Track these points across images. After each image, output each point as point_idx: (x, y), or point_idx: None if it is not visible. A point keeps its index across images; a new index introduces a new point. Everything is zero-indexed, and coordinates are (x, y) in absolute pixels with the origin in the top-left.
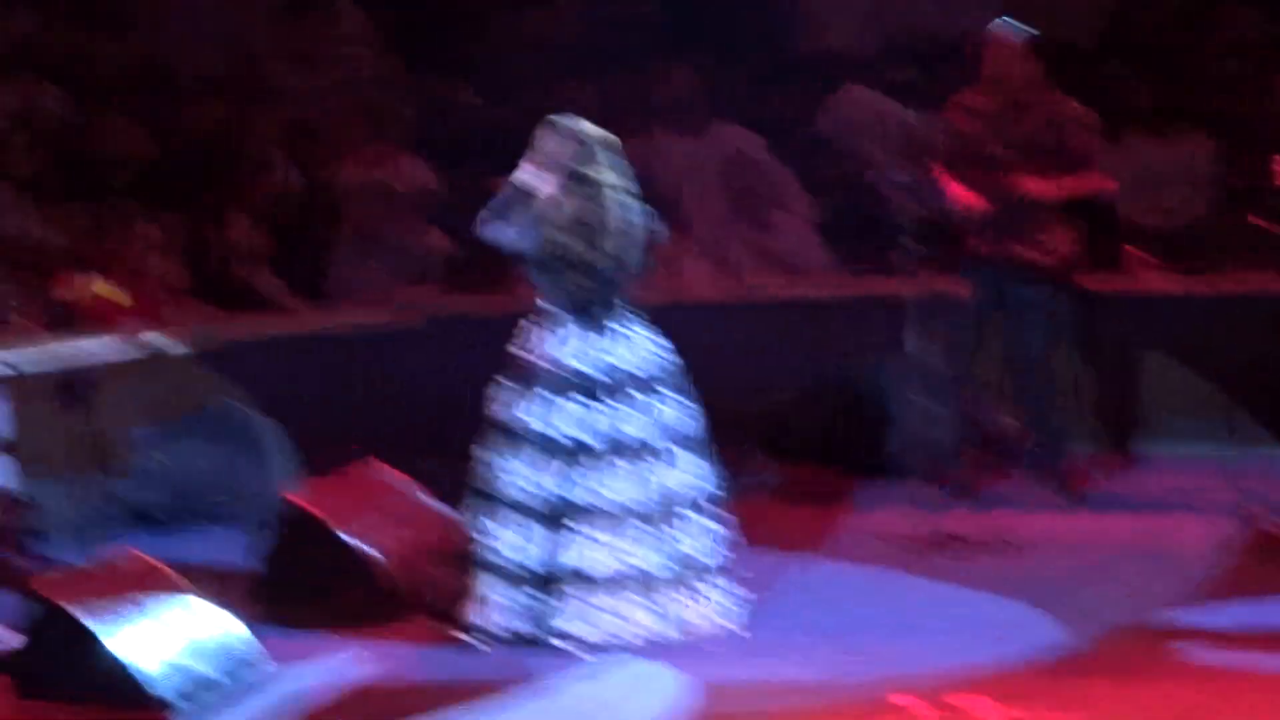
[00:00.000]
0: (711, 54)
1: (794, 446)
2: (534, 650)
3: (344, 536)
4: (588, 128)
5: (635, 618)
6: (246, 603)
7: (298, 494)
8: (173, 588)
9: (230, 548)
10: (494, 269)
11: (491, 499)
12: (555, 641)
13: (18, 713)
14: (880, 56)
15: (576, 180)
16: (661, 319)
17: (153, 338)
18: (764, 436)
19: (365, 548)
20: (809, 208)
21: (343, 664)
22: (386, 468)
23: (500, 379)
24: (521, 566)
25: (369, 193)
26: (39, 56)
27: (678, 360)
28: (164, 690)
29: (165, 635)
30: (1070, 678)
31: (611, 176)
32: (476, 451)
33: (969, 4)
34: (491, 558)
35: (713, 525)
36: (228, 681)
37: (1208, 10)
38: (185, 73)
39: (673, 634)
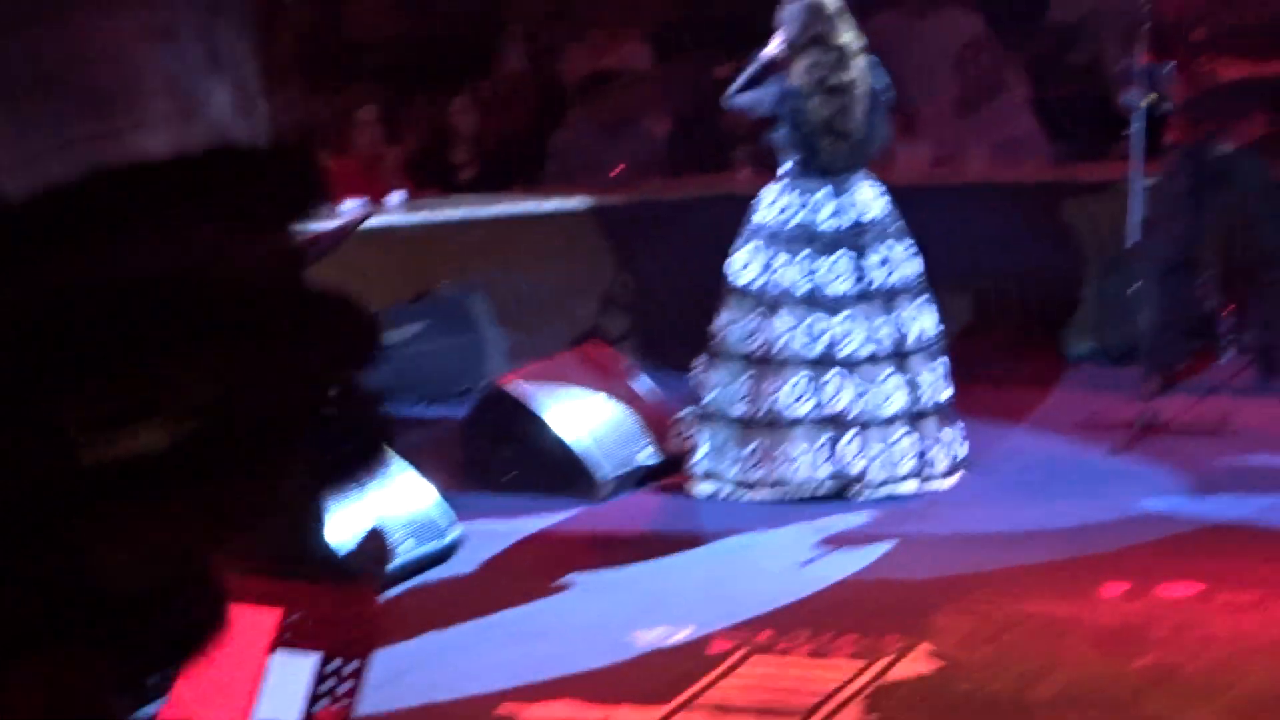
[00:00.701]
0: None
1: (1011, 330)
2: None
3: (546, 419)
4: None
5: (883, 457)
6: (452, 477)
7: (508, 376)
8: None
9: (443, 428)
10: (714, 153)
11: (737, 355)
12: (781, 488)
13: None
14: None
15: (823, 48)
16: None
17: (366, 216)
18: (980, 320)
19: (565, 429)
20: (1032, 93)
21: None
22: (605, 348)
23: (745, 242)
24: (769, 412)
25: (594, 79)
26: None
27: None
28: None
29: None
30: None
31: (856, 42)
32: (721, 314)
33: None
34: (732, 409)
35: (945, 370)
36: (416, 545)
37: None
38: None
39: (914, 475)
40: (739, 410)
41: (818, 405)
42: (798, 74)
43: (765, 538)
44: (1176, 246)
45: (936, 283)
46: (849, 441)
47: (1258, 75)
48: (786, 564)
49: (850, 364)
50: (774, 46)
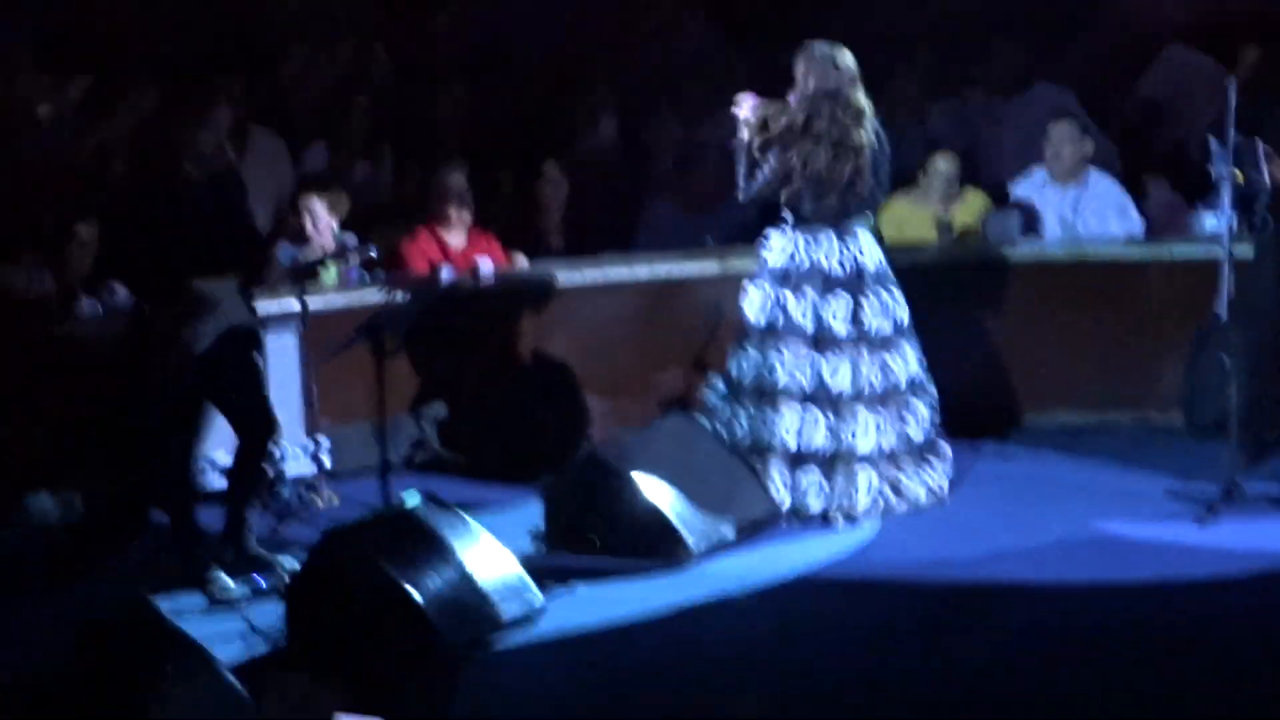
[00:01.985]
0: None
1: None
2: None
3: (637, 484)
4: (844, 55)
5: (880, 489)
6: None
7: (599, 446)
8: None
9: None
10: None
11: (753, 390)
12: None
13: None
14: None
15: (839, 103)
16: None
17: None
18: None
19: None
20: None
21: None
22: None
23: (754, 284)
24: (783, 446)
25: (687, 147)
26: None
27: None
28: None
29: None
30: None
31: (865, 100)
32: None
33: None
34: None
35: (931, 407)
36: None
37: None
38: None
39: (904, 505)
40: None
41: (808, 438)
42: (808, 134)
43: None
44: (1266, 325)
45: None
46: (810, 472)
47: None
48: None
49: (837, 400)
50: (745, 126)
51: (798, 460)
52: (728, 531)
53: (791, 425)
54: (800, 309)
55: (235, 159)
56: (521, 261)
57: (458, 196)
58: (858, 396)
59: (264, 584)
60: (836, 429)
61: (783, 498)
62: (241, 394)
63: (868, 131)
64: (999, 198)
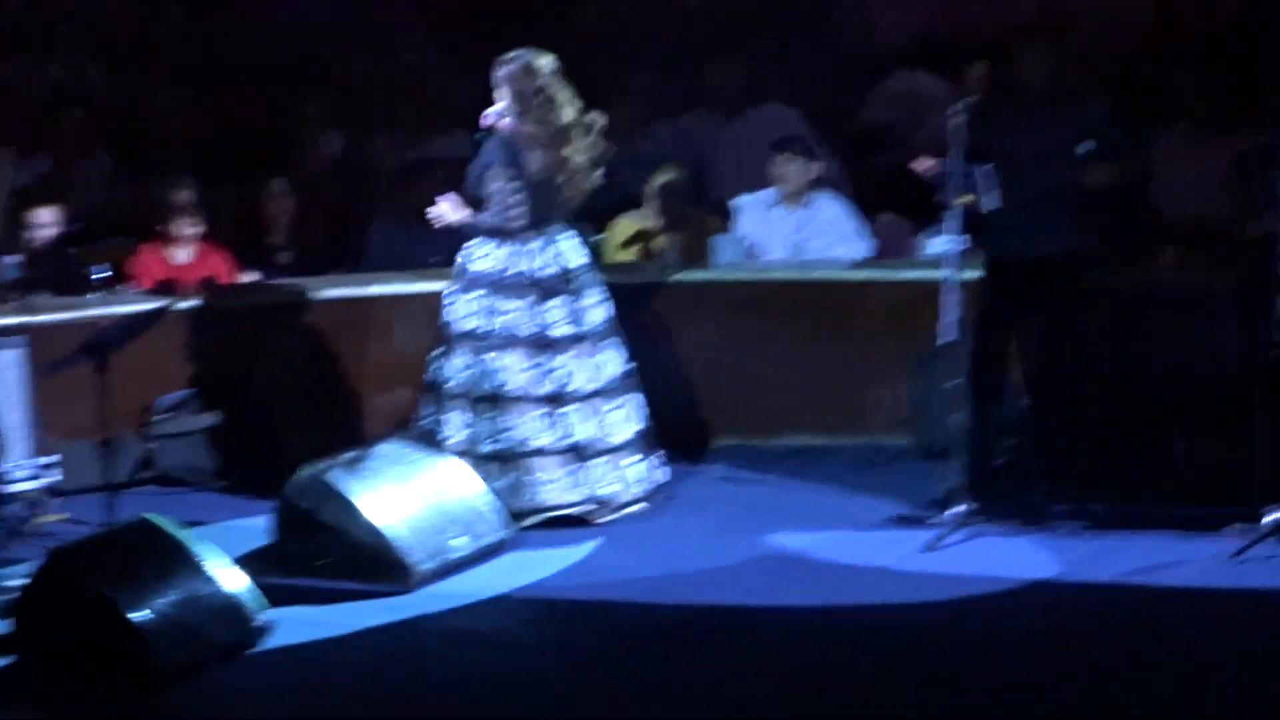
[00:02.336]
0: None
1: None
2: None
3: (359, 506)
4: (540, 57)
5: (625, 480)
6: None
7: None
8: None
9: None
10: None
11: (475, 397)
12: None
13: None
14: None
15: (542, 106)
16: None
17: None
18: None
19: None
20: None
21: None
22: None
23: (452, 291)
24: (525, 447)
25: (405, 168)
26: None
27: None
28: None
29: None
30: None
31: (570, 98)
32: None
33: None
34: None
35: (642, 405)
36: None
37: None
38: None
39: (643, 495)
40: (485, 448)
41: (560, 437)
42: (521, 141)
43: None
44: (989, 347)
45: None
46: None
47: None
48: None
49: (567, 398)
50: (497, 113)
51: (545, 457)
52: (459, 549)
53: (530, 427)
54: (517, 314)
55: None
56: (251, 276)
57: (186, 211)
58: (583, 394)
59: None
60: (574, 426)
61: (539, 497)
62: None
63: (575, 133)
64: (725, 218)
